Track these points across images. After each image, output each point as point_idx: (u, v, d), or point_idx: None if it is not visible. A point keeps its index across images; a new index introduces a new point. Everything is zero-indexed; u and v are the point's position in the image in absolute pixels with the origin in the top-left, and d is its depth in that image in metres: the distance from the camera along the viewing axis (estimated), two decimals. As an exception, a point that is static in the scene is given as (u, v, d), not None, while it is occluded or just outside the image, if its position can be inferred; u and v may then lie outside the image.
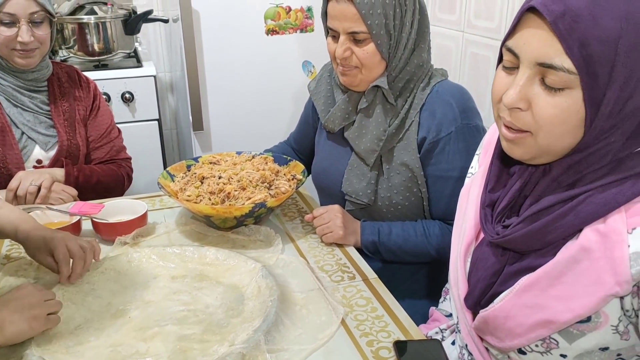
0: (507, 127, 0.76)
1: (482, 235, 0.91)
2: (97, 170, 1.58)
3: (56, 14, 2.08)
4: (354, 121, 1.32)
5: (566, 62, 0.67)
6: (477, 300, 0.87)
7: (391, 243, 1.27)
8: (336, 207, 1.26)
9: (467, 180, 1.00)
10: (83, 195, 1.49)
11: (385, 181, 1.29)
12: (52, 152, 1.53)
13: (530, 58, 0.70)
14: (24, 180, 1.37)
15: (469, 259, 0.91)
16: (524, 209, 0.81)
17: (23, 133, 1.49)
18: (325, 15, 1.26)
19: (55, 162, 1.53)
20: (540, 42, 0.69)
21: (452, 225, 1.00)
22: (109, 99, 2.14)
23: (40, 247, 1.03)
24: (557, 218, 0.74)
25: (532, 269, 0.78)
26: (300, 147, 1.59)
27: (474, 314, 0.88)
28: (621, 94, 0.68)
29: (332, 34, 1.26)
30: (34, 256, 1.05)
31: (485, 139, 1.00)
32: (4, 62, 1.45)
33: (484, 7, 1.81)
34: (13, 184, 1.37)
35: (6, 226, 1.07)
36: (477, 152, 1.02)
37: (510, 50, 0.73)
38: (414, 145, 1.25)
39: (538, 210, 0.76)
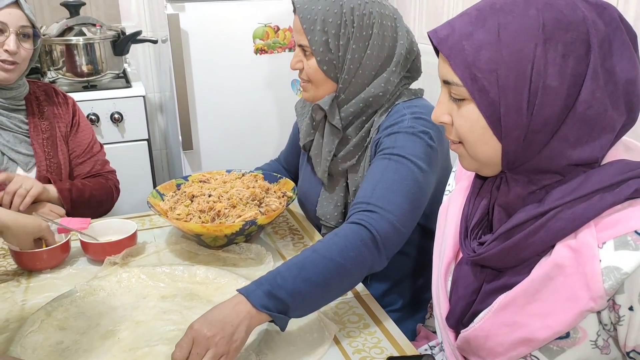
0: (451, 141, 0.83)
1: (461, 254, 0.91)
2: (88, 184, 1.56)
3: (44, 35, 2.10)
4: (314, 140, 1.32)
5: (455, 78, 0.74)
6: (459, 319, 0.86)
7: (289, 282, 0.90)
8: (190, 334, 0.85)
9: (445, 198, 1.01)
10: (76, 212, 1.46)
11: (349, 205, 1.28)
12: (33, 173, 1.51)
13: (440, 77, 0.78)
14: (15, 180, 1.37)
15: (450, 278, 0.91)
16: (496, 225, 0.81)
17: (3, 154, 1.48)
18: None
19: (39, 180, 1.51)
20: (440, 62, 0.78)
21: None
22: (98, 119, 2.14)
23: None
24: (529, 235, 0.74)
25: (509, 287, 0.78)
26: (290, 166, 1.60)
27: (457, 333, 0.88)
28: (519, 102, 0.71)
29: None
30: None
31: None
32: None
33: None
34: (0, 177, 1.37)
35: None
36: (453, 168, 1.02)
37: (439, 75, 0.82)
38: (368, 161, 1.23)
39: (511, 227, 0.77)
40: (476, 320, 0.81)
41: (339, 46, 1.19)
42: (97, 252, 1.23)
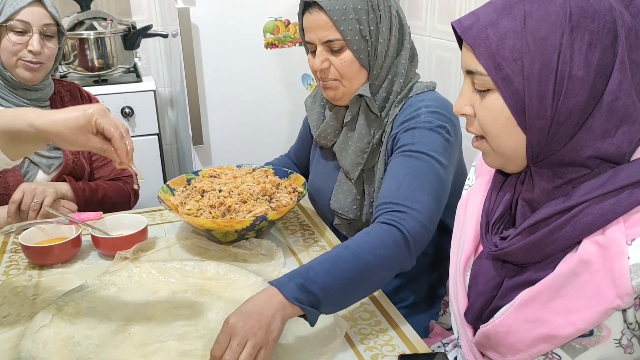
0: (474, 137, 0.82)
1: (481, 248, 0.90)
2: (103, 185, 1.56)
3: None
4: (341, 134, 1.31)
5: (479, 67, 0.73)
6: (478, 315, 0.85)
7: (320, 276, 0.90)
8: (226, 327, 0.85)
9: (464, 192, 1.00)
10: (88, 211, 1.45)
11: (368, 197, 1.28)
12: (54, 175, 1.50)
13: (463, 67, 0.77)
14: (27, 194, 1.34)
15: (469, 273, 0.90)
16: (519, 220, 0.80)
17: (25, 157, 1.47)
18: (302, 31, 1.25)
19: (57, 180, 1.51)
20: (464, 52, 0.77)
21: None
22: (108, 113, 2.14)
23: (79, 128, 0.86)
24: (555, 230, 0.73)
25: (532, 282, 0.77)
26: (300, 161, 1.59)
27: (475, 329, 0.87)
28: (544, 92, 0.70)
29: (311, 48, 1.25)
30: (73, 142, 0.87)
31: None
32: (7, 75, 1.41)
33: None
34: (16, 196, 1.34)
35: (17, 123, 0.86)
36: (473, 163, 1.01)
37: (461, 65, 0.80)
38: (383, 156, 1.23)
39: (535, 221, 0.75)
40: (497, 315, 0.80)
41: (371, 32, 1.19)
42: (108, 247, 1.23)
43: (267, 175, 1.38)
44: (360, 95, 1.22)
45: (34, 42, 1.38)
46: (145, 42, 2.56)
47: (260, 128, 2.18)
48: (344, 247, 0.97)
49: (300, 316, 0.89)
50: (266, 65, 2.11)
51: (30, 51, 1.38)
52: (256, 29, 2.07)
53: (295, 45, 2.12)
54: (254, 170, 1.43)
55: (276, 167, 1.44)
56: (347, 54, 1.19)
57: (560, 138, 0.72)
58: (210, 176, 1.40)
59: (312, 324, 0.90)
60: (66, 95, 1.57)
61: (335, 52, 1.20)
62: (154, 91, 2.22)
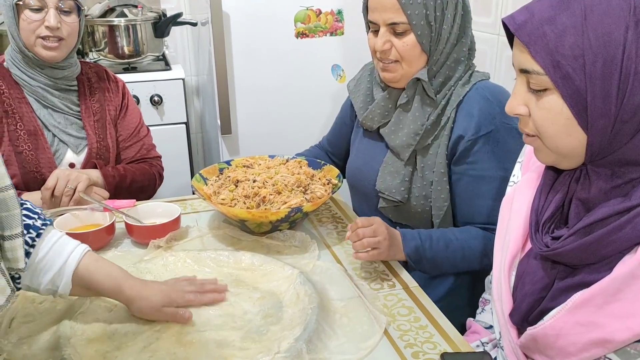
0: (525, 134, 0.79)
1: (527, 248, 0.87)
2: (130, 170, 1.56)
3: (86, 16, 2.09)
4: (391, 117, 1.30)
5: (535, 66, 0.71)
6: (524, 316, 0.83)
7: (433, 249, 1.18)
8: (379, 220, 1.13)
9: (509, 189, 0.97)
10: (117, 196, 1.47)
11: (419, 179, 1.26)
12: (83, 155, 1.52)
13: (517, 66, 0.75)
14: (61, 180, 1.35)
15: (514, 272, 0.87)
16: (573, 220, 0.77)
17: (54, 136, 1.47)
18: (366, 9, 1.26)
19: (86, 165, 1.51)
20: (516, 51, 0.74)
21: (491, 231, 0.97)
22: (138, 101, 2.14)
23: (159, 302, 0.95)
24: (613, 231, 0.70)
25: (586, 284, 0.74)
26: (335, 150, 1.57)
27: (520, 330, 0.85)
28: (608, 90, 0.67)
29: (373, 28, 1.25)
30: (151, 314, 0.95)
31: (528, 146, 0.96)
32: (30, 55, 1.41)
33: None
34: (50, 182, 1.35)
35: (105, 283, 0.94)
36: (519, 159, 0.98)
37: (513, 64, 0.78)
38: (445, 142, 1.23)
39: (591, 222, 0.73)
40: (546, 318, 0.78)
41: (436, 17, 1.18)
42: (142, 235, 1.22)
43: (300, 167, 1.36)
44: (418, 79, 1.23)
45: (50, 17, 1.37)
46: (173, 30, 2.55)
47: (289, 119, 2.16)
48: (466, 240, 1.20)
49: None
50: (296, 55, 2.09)
51: (47, 27, 1.38)
52: (287, 18, 2.05)
53: (326, 35, 2.10)
54: (287, 161, 1.41)
55: (309, 158, 1.42)
56: (410, 38, 1.19)
57: (622, 137, 0.70)
58: (244, 166, 1.39)
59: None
60: (93, 76, 1.57)
61: (399, 34, 1.20)
62: (182, 79, 2.21)
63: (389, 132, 1.30)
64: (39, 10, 1.38)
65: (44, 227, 0.91)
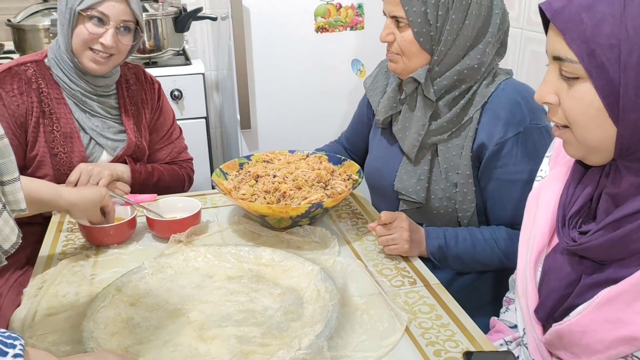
0: (555, 126, 0.77)
1: (554, 243, 0.85)
2: (159, 169, 1.56)
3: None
4: (400, 114, 1.29)
5: (569, 53, 0.69)
6: (550, 312, 0.81)
7: (459, 248, 1.19)
8: (403, 216, 1.16)
9: (536, 184, 0.95)
10: (143, 193, 1.45)
11: (442, 181, 1.24)
12: (117, 155, 1.50)
13: (550, 53, 0.73)
14: (84, 174, 1.36)
15: (540, 268, 0.86)
16: (601, 215, 0.76)
17: (91, 139, 1.46)
18: None
19: (116, 161, 1.51)
20: (551, 37, 0.72)
21: (519, 230, 0.95)
22: (158, 96, 2.15)
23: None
24: None
25: (614, 280, 0.73)
26: (353, 147, 1.56)
27: (545, 327, 0.83)
28: None
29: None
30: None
31: (557, 141, 0.95)
32: (75, 61, 1.40)
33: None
34: (73, 176, 1.36)
35: (45, 193, 1.09)
36: (547, 154, 0.96)
37: (546, 51, 0.76)
38: (470, 143, 1.21)
39: (620, 216, 0.71)
40: (573, 314, 0.76)
41: (438, 17, 1.15)
42: (163, 229, 1.23)
43: (321, 162, 1.35)
44: (415, 80, 1.21)
45: (108, 36, 1.35)
46: (193, 25, 2.56)
47: (309, 113, 2.16)
48: (493, 239, 1.20)
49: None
50: (316, 49, 2.08)
51: (102, 44, 1.36)
52: (307, 12, 2.04)
53: (346, 30, 2.08)
54: (307, 156, 1.40)
55: (329, 153, 1.42)
56: (408, 33, 1.18)
57: None
58: (264, 161, 1.38)
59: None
60: (131, 77, 1.55)
61: (400, 28, 1.19)
62: (202, 74, 2.22)
63: (397, 131, 1.29)
64: (99, 24, 1.35)
65: None
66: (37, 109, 1.40)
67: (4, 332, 0.67)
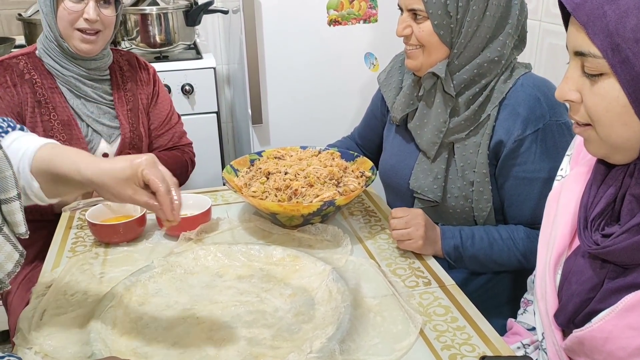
0: (576, 123, 0.74)
1: (575, 245, 0.82)
2: (162, 158, 1.54)
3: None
4: (417, 110, 1.25)
5: (592, 48, 0.67)
6: (570, 317, 0.78)
7: (475, 248, 1.16)
8: (419, 212, 1.14)
9: (556, 183, 0.92)
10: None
11: (459, 180, 1.21)
12: (116, 145, 1.51)
13: (571, 48, 0.70)
14: None
15: (560, 271, 0.83)
16: (625, 217, 0.72)
17: (88, 126, 1.46)
18: None
19: (119, 155, 1.50)
20: (572, 32, 0.69)
21: (538, 230, 0.92)
22: (169, 90, 2.13)
23: (125, 179, 0.82)
24: None
25: (638, 285, 0.70)
26: (365, 143, 1.53)
27: (565, 332, 0.80)
28: None
29: (401, 12, 1.22)
30: (119, 193, 0.82)
31: (578, 139, 0.91)
32: (65, 46, 1.40)
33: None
34: None
35: (64, 166, 0.82)
36: (567, 152, 0.93)
37: (567, 46, 0.73)
38: (487, 141, 1.17)
39: None
40: (595, 320, 0.73)
41: (458, 8, 1.12)
42: (173, 227, 1.21)
43: (333, 158, 1.32)
44: (434, 74, 1.18)
45: (90, 9, 1.36)
46: (204, 19, 2.53)
47: (321, 108, 2.13)
48: (511, 239, 1.17)
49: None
50: (329, 43, 2.05)
51: (86, 19, 1.36)
52: (319, 5, 2.00)
53: (359, 23, 2.05)
54: (319, 152, 1.38)
55: (342, 149, 1.39)
56: (427, 25, 1.15)
57: None
58: (275, 157, 1.36)
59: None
60: (125, 64, 1.56)
61: (418, 20, 1.16)
62: (213, 68, 2.20)
63: (414, 128, 1.26)
64: (79, 0, 1.36)
65: (8, 129, 0.85)
66: (32, 99, 1.41)
67: (3, 356, 0.67)
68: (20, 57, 1.43)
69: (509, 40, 1.16)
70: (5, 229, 0.73)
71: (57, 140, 1.39)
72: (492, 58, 1.16)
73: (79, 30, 1.38)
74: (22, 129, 0.89)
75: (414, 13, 1.16)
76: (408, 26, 1.18)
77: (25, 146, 0.83)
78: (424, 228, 1.11)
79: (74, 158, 0.83)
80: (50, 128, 1.42)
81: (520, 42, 1.21)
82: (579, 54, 0.69)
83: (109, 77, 1.51)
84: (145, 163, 0.83)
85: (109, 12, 1.41)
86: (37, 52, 1.45)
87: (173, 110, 1.65)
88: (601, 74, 0.68)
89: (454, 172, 1.22)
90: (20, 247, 0.74)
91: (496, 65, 1.17)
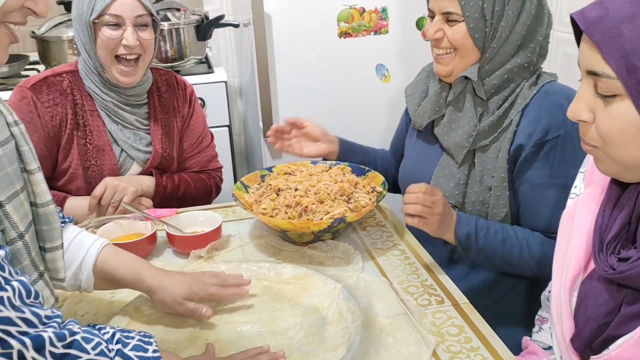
0: (584, 142, 0.73)
1: (590, 267, 0.80)
2: (186, 179, 1.53)
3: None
4: (444, 116, 1.24)
5: (606, 68, 0.65)
6: (587, 342, 0.76)
7: (488, 240, 1.12)
8: (440, 193, 1.08)
9: (570, 202, 0.89)
10: (169, 205, 1.43)
11: (477, 184, 1.19)
12: (145, 166, 1.49)
13: (583, 67, 0.69)
14: (109, 190, 1.34)
15: (575, 294, 0.80)
16: None
17: (122, 150, 1.45)
18: None
19: (144, 173, 1.49)
20: (585, 50, 0.68)
21: (554, 239, 0.90)
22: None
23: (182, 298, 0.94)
24: None
25: None
26: (395, 156, 1.53)
27: (583, 357, 0.78)
28: None
29: (430, 15, 1.21)
30: (171, 308, 0.95)
31: (591, 156, 0.89)
32: (106, 77, 1.38)
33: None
34: (98, 191, 1.34)
35: (126, 274, 0.94)
36: (581, 169, 0.91)
37: (578, 63, 0.71)
38: (507, 145, 1.16)
39: None
40: (612, 347, 0.71)
41: (494, 12, 1.12)
42: (183, 245, 1.21)
43: (344, 174, 1.31)
44: (466, 78, 1.17)
45: (128, 35, 1.33)
46: (215, 33, 2.54)
47: (333, 120, 2.10)
48: (526, 240, 1.14)
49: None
50: (340, 55, 2.04)
51: (125, 45, 1.34)
52: (330, 18, 2.00)
53: (369, 34, 2.04)
54: (330, 167, 1.37)
55: (353, 164, 1.38)
56: (461, 27, 1.14)
57: None
58: (285, 173, 1.35)
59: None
60: (163, 85, 1.53)
61: (451, 22, 1.15)
62: (225, 82, 2.20)
63: (442, 133, 1.24)
64: (115, 26, 1.34)
65: (62, 224, 0.91)
66: (72, 121, 1.40)
67: (140, 332, 0.79)
68: (64, 75, 1.41)
69: (538, 47, 1.16)
70: (46, 275, 0.81)
71: (91, 165, 1.40)
72: (522, 64, 1.15)
73: (119, 57, 1.36)
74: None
75: (446, 16, 1.15)
76: (440, 29, 1.17)
77: (88, 243, 0.95)
78: (441, 209, 1.07)
79: (136, 267, 0.95)
80: (85, 152, 1.41)
81: (542, 49, 1.20)
82: (591, 73, 0.67)
83: (146, 101, 1.49)
84: (198, 287, 0.97)
85: (147, 35, 1.38)
86: (79, 71, 1.42)
87: (206, 132, 1.62)
88: (615, 95, 0.66)
89: (473, 177, 1.21)
90: (55, 294, 0.83)
91: (525, 71, 1.16)
